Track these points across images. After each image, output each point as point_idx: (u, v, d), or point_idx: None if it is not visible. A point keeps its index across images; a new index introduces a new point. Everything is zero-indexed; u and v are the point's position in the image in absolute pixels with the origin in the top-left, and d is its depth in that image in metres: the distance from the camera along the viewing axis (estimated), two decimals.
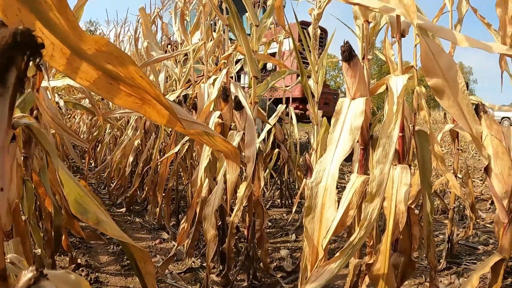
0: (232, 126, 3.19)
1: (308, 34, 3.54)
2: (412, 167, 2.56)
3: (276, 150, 5.60)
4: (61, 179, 1.08)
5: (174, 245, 3.46)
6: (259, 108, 3.35)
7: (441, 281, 3.31)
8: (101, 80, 0.82)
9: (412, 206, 2.35)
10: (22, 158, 2.40)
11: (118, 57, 0.80)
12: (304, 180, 3.12)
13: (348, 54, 1.87)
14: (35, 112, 2.70)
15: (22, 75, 0.59)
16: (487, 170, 1.93)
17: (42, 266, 2.39)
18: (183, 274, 3.42)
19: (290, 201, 6.09)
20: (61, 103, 4.48)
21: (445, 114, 3.66)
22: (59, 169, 1.09)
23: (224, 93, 3.07)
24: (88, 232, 3.34)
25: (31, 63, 0.60)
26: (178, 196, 4.98)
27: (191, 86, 4.68)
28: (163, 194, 4.52)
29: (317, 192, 1.73)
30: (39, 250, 2.51)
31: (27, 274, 0.52)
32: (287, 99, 6.17)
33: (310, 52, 3.15)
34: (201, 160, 3.04)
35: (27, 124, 1.24)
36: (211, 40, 4.16)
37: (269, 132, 5.35)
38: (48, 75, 2.50)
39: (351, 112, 1.82)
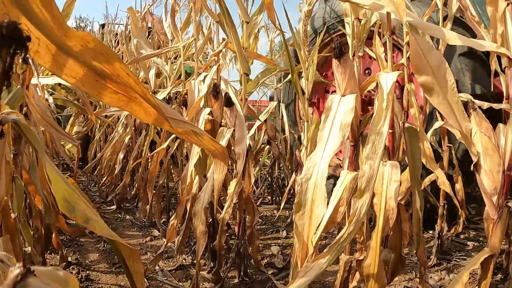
0: (223, 123, 3.19)
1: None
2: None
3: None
4: (49, 176, 1.07)
5: (165, 242, 3.46)
6: (249, 105, 3.36)
7: (431, 277, 3.32)
8: (87, 77, 0.81)
9: (402, 203, 2.36)
10: (12, 155, 2.38)
11: (104, 54, 0.79)
12: (294, 176, 3.12)
13: (338, 51, 1.87)
14: (24, 109, 2.69)
15: (7, 69, 0.58)
16: (476, 167, 1.94)
17: (32, 264, 2.38)
18: (174, 271, 3.41)
19: (280, 198, 6.09)
20: (50, 100, 4.46)
21: (435, 111, 3.67)
22: (47, 166, 1.08)
23: (214, 90, 3.06)
24: (76, 229, 3.33)
25: (16, 57, 0.59)
26: (168, 193, 4.97)
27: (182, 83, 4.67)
28: (154, 192, 4.52)
29: (307, 188, 1.73)
30: (29, 248, 2.50)
31: (14, 271, 0.51)
32: None
33: (300, 48, 3.15)
34: (191, 156, 3.04)
35: (15, 120, 1.23)
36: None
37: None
38: (37, 72, 2.49)
39: (341, 108, 1.83)
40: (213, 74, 3.25)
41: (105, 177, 6.08)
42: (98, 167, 6.63)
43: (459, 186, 3.63)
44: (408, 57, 2.10)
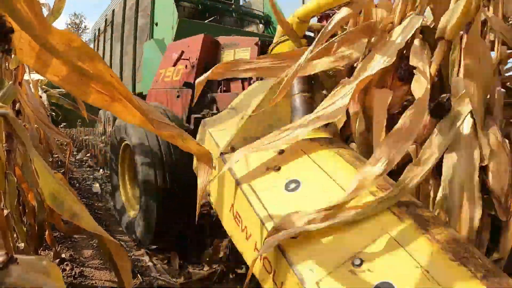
0: None
1: None
2: None
3: None
4: (37, 170, 1.07)
5: None
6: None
7: None
8: (71, 76, 0.82)
9: None
10: (5, 151, 2.38)
11: (86, 53, 0.80)
12: None
13: None
14: (17, 105, 2.69)
15: None
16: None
17: None
18: (167, 267, 3.43)
19: None
20: (44, 97, 4.45)
21: None
22: (34, 161, 1.09)
23: None
24: (72, 227, 3.34)
25: None
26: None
27: None
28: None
29: None
30: (22, 244, 2.50)
31: None
32: None
33: None
34: None
35: (2, 113, 1.24)
36: None
37: None
38: (29, 68, 2.48)
39: None
40: None
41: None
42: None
43: None
44: None
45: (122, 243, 3.89)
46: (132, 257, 3.48)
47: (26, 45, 0.74)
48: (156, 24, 7.63)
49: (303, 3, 2.74)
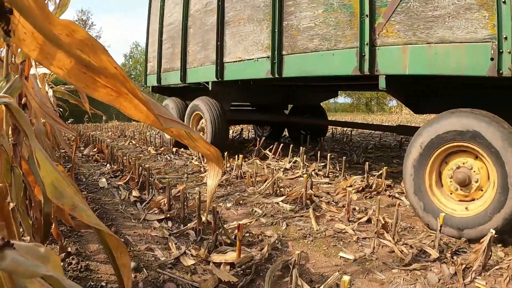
0: None
1: None
2: None
3: None
4: (38, 161, 1.07)
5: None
6: None
7: (431, 270, 3.33)
8: (74, 69, 0.80)
9: None
10: (11, 145, 2.39)
11: (89, 44, 0.78)
12: None
13: None
14: (24, 99, 2.70)
15: None
16: None
17: None
18: (173, 262, 3.44)
19: None
20: (50, 93, 4.46)
21: None
22: (36, 151, 1.09)
23: None
24: (81, 222, 3.34)
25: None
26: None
27: None
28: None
29: None
30: (28, 238, 2.52)
31: None
32: None
33: None
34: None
35: (6, 103, 1.24)
36: None
37: None
38: (35, 62, 2.49)
39: None
40: None
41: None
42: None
43: None
44: None
45: (128, 237, 3.91)
46: (139, 251, 3.49)
47: (29, 35, 0.73)
48: None
49: None
